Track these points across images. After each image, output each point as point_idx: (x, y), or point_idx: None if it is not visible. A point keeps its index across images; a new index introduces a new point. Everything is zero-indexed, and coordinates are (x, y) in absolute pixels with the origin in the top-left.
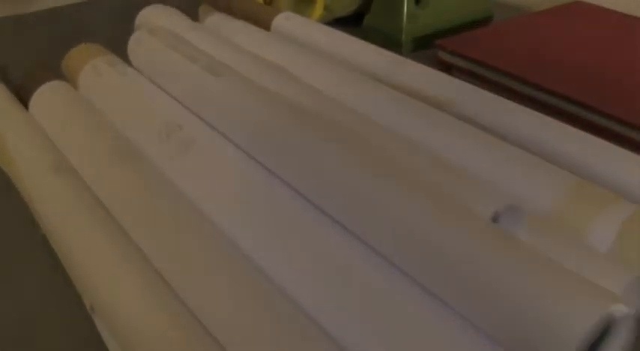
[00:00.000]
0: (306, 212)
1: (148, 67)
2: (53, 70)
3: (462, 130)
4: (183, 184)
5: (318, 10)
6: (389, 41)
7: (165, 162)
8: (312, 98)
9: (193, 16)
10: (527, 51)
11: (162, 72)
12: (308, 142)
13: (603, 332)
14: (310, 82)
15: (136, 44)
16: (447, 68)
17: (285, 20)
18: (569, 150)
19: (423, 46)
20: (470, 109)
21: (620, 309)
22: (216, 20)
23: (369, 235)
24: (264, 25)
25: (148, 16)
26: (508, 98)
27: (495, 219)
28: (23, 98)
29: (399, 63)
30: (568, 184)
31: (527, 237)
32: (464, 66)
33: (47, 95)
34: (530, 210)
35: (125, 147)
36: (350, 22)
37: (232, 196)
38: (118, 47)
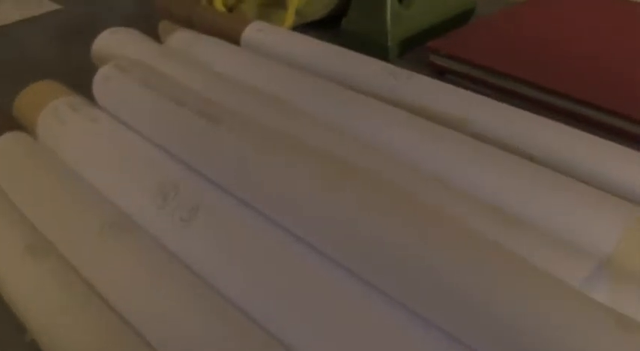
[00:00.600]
0: (342, 282)
1: (122, 111)
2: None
3: (492, 156)
4: (192, 260)
5: (290, 16)
6: (372, 46)
7: (167, 234)
8: (322, 136)
9: (152, 33)
10: (527, 48)
11: (142, 117)
12: (345, 206)
13: None
14: (309, 110)
15: (103, 82)
16: (440, 73)
17: (258, 32)
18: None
19: (409, 48)
20: (487, 126)
21: None
22: (182, 39)
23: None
24: (233, 37)
25: (107, 40)
26: (514, 102)
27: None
28: None
29: (396, 75)
30: (632, 218)
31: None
32: (460, 70)
33: (4, 152)
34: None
35: (116, 217)
36: (323, 26)
37: (255, 272)
38: (70, 78)
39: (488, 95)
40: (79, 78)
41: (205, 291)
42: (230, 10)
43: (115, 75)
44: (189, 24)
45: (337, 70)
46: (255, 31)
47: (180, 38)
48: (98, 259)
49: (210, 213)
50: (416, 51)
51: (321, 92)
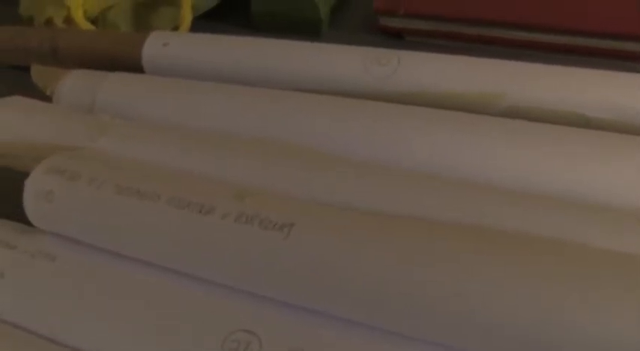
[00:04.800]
0: None
1: (93, 236)
2: None
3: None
4: None
5: (188, 13)
6: (298, 24)
7: None
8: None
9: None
10: None
11: (140, 243)
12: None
13: None
14: (311, 142)
15: (43, 200)
16: (396, 36)
17: (163, 47)
18: None
19: (333, 15)
20: (526, 96)
21: None
22: (77, 88)
23: None
24: (128, 63)
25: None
26: (504, 51)
27: None
28: None
29: (381, 59)
30: None
31: None
32: (426, 27)
33: None
34: None
35: None
36: (217, 17)
37: None
38: None
39: (467, 50)
40: None
41: None
42: (94, 22)
43: (60, 186)
44: (55, 58)
45: (302, 73)
46: (159, 47)
47: (75, 88)
48: None
49: None
50: (346, 16)
51: (310, 112)
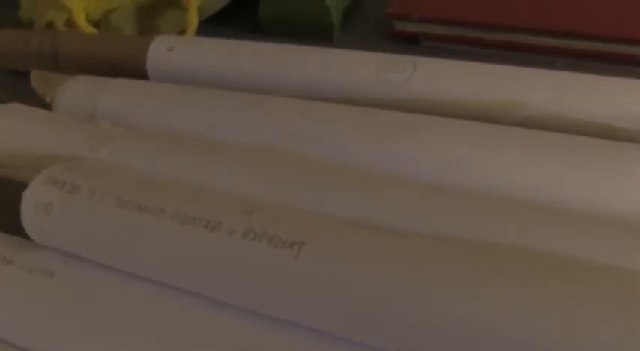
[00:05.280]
0: None
1: (93, 251)
2: None
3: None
4: None
5: (194, 17)
6: (309, 28)
7: None
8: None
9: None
10: None
11: (143, 261)
12: None
13: None
14: (324, 155)
15: (42, 214)
16: (412, 41)
17: (168, 52)
18: None
19: (345, 18)
20: (547, 105)
21: None
22: (78, 95)
23: None
24: (132, 68)
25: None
26: (522, 57)
27: None
28: None
29: (396, 66)
30: None
31: None
32: (443, 32)
33: None
34: None
35: None
36: (223, 21)
37: None
38: None
39: (485, 56)
40: None
41: None
42: (96, 26)
43: (59, 198)
44: (55, 63)
45: (314, 80)
46: (163, 52)
47: (76, 94)
48: None
49: None
50: (358, 21)
51: (325, 123)
